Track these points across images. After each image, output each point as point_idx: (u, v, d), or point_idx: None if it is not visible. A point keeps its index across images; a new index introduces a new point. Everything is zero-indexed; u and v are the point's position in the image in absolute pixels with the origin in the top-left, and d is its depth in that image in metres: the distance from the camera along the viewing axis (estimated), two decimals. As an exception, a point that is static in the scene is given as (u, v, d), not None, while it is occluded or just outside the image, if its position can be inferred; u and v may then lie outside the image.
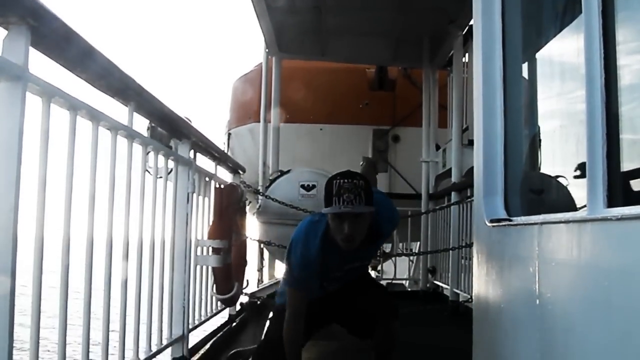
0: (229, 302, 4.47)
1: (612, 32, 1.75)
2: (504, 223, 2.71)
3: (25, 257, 1.82)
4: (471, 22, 5.62)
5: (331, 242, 2.99)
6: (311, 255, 3.02)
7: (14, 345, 1.72)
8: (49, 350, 2.21)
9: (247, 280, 4.65)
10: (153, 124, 3.31)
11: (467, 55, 7.46)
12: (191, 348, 3.78)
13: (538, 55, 3.25)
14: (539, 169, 3.31)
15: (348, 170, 2.98)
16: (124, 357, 2.74)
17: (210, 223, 4.36)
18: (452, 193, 6.61)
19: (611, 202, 1.68)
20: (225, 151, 7.92)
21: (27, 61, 1.76)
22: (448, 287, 6.66)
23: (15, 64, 1.71)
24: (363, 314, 3.24)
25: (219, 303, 4.66)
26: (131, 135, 2.74)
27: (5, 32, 1.72)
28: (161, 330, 3.29)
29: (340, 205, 2.82)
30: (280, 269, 7.59)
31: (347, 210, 2.82)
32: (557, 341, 2.01)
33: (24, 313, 1.84)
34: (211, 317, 4.62)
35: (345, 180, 2.86)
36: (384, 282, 8.71)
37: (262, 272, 7.53)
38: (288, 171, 6.83)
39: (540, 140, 3.35)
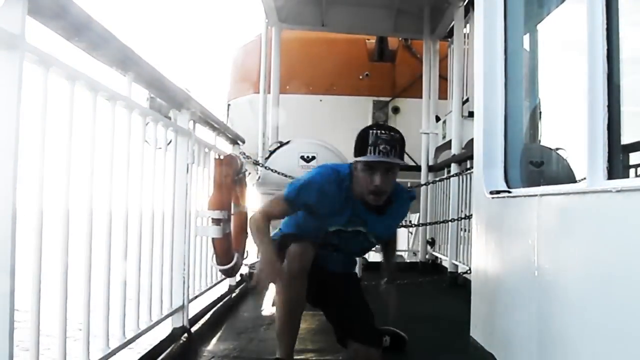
0: (229, 273, 4.48)
1: (614, 3, 1.73)
2: (503, 195, 2.71)
3: (25, 226, 1.82)
4: (473, -7, 5.58)
5: (347, 196, 2.89)
6: (332, 192, 2.87)
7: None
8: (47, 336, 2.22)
9: (247, 251, 4.67)
10: (152, 95, 3.30)
11: (468, 26, 7.40)
12: (191, 318, 3.80)
13: (539, 26, 3.23)
14: (539, 141, 3.31)
15: (384, 123, 2.96)
16: (124, 326, 2.75)
17: (210, 194, 4.36)
18: (452, 165, 6.61)
19: (611, 175, 1.68)
20: (225, 122, 7.90)
21: (24, 30, 1.74)
22: (447, 259, 6.69)
23: (12, 33, 1.70)
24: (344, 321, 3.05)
25: (219, 274, 4.68)
26: (130, 105, 2.73)
27: (2, 0, 1.70)
28: (161, 301, 3.31)
29: (377, 155, 2.70)
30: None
31: (384, 160, 2.71)
32: (555, 312, 2.02)
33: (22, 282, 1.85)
34: (211, 287, 4.64)
35: (383, 132, 2.75)
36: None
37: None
38: (288, 142, 6.82)
39: (540, 112, 3.34)
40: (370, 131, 2.75)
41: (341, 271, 3.15)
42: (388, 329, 3.27)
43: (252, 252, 4.62)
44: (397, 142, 2.74)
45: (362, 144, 2.76)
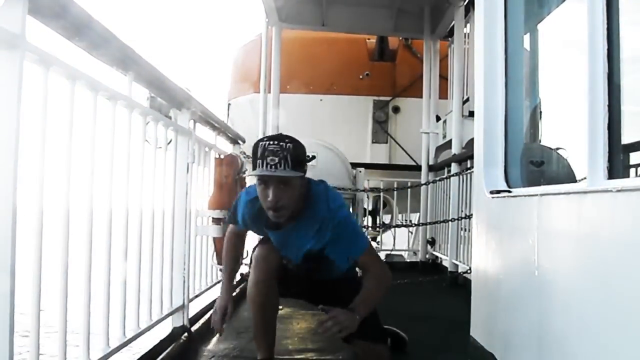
0: (229, 272, 4.48)
1: (615, 2, 1.73)
2: (503, 194, 2.71)
3: (25, 227, 1.82)
4: (473, -8, 5.58)
5: (262, 216, 2.72)
6: (250, 212, 2.78)
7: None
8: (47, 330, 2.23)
9: (247, 251, 4.67)
10: (152, 94, 3.30)
11: (468, 26, 7.40)
12: (191, 317, 3.81)
13: (540, 26, 3.23)
14: (540, 140, 3.31)
15: (280, 133, 2.71)
16: (124, 326, 2.75)
17: (210, 193, 4.37)
18: (452, 164, 6.62)
19: (611, 174, 1.68)
20: (225, 121, 7.90)
21: (25, 29, 1.74)
22: (447, 258, 6.69)
23: (13, 32, 1.70)
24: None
25: (219, 273, 4.68)
26: (131, 105, 2.73)
27: (2, 0, 1.71)
28: (162, 300, 3.31)
29: (264, 169, 2.49)
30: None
31: (268, 174, 2.50)
32: (555, 311, 2.02)
33: (22, 279, 1.85)
34: (212, 286, 4.64)
35: (271, 142, 2.53)
36: (382, 253, 8.77)
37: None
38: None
39: (541, 112, 3.34)
40: (260, 143, 2.56)
41: (334, 278, 2.97)
42: (389, 329, 3.26)
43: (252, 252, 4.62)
44: (286, 152, 2.52)
45: (253, 157, 2.57)
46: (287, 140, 2.56)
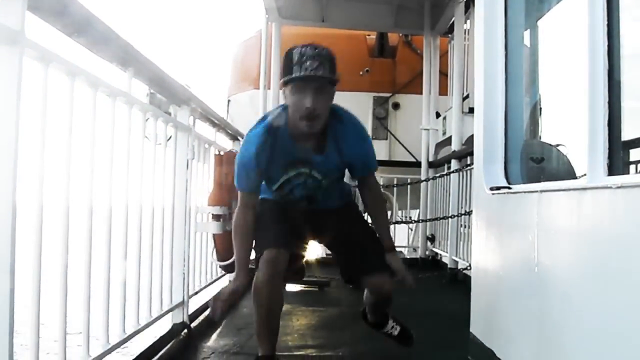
0: (229, 269, 4.48)
1: (615, -1, 1.73)
2: (503, 191, 2.71)
3: (26, 222, 1.82)
4: (473, -11, 5.57)
5: (283, 134, 2.65)
6: (259, 144, 2.64)
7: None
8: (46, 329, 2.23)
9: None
10: (152, 91, 3.29)
11: (468, 22, 7.40)
12: (191, 314, 3.81)
13: (540, 22, 3.22)
14: (540, 137, 3.31)
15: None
16: (124, 322, 2.76)
17: (210, 190, 4.36)
18: (452, 161, 6.62)
19: (611, 171, 1.68)
20: (225, 118, 7.90)
21: (24, 25, 1.74)
22: (447, 255, 6.69)
23: (12, 28, 1.70)
24: (357, 252, 2.87)
25: (219, 269, 4.69)
26: (130, 101, 2.73)
27: (2, -3, 1.70)
28: (161, 297, 3.31)
29: (303, 72, 2.45)
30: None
31: (311, 75, 2.45)
32: (555, 308, 2.02)
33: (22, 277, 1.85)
34: (211, 283, 4.65)
35: (308, 48, 2.51)
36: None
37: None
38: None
39: (541, 108, 3.34)
40: (295, 50, 2.52)
41: (335, 206, 2.96)
42: (400, 320, 3.24)
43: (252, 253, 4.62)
44: (325, 58, 2.51)
45: (287, 64, 2.51)
46: (322, 46, 2.56)
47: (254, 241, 2.81)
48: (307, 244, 3.07)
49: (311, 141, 2.68)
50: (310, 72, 2.45)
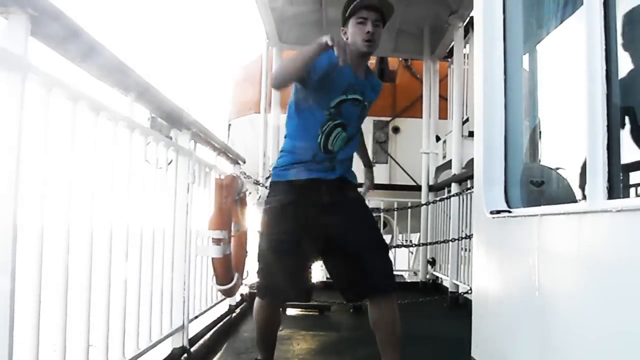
0: (229, 293, 4.46)
1: (613, 23, 1.74)
2: (504, 214, 2.71)
3: (26, 247, 1.82)
4: (472, 14, 5.61)
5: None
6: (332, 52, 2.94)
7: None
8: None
9: (247, 271, 4.66)
10: (153, 115, 3.31)
11: (467, 46, 7.45)
12: (191, 338, 3.79)
13: (539, 47, 3.24)
14: (539, 160, 3.31)
15: None
16: (124, 346, 2.74)
17: (210, 214, 4.36)
18: (452, 184, 6.62)
19: (611, 194, 1.68)
20: (226, 142, 7.92)
21: (27, 51, 1.75)
22: (448, 279, 6.67)
23: (15, 54, 1.71)
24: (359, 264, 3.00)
25: (219, 293, 4.67)
26: (131, 125, 2.74)
27: (5, 21, 1.72)
28: (161, 321, 3.30)
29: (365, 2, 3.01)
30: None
31: (374, 3, 3.03)
32: (556, 333, 2.02)
33: (22, 300, 1.85)
34: (211, 307, 4.63)
35: None
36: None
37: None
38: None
39: (540, 132, 3.35)
40: None
41: (343, 174, 3.13)
42: None
43: (252, 272, 4.61)
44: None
45: (347, 5, 3.09)
46: None
47: (260, 262, 3.15)
48: (313, 260, 3.29)
49: (359, 74, 3.15)
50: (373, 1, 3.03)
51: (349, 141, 3.13)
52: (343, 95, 3.07)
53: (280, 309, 3.20)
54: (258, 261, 3.14)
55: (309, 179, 3.02)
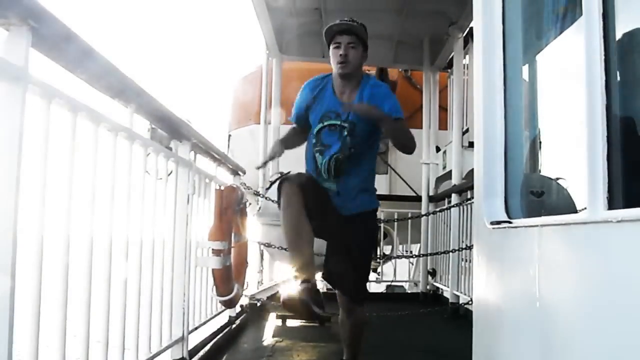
0: (229, 304, 4.46)
1: (612, 34, 1.75)
2: (504, 225, 2.71)
3: (25, 258, 1.82)
4: (471, 25, 5.63)
5: (329, 85, 3.35)
6: (311, 81, 3.43)
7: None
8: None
9: (247, 282, 4.65)
10: (153, 126, 3.31)
11: (467, 57, 7.47)
12: (191, 350, 3.78)
13: (538, 57, 3.25)
14: (539, 171, 3.31)
15: None
16: (123, 358, 2.73)
17: (210, 224, 4.36)
18: (453, 195, 6.62)
19: (612, 205, 1.68)
20: (226, 152, 7.92)
21: (28, 62, 1.76)
22: (448, 289, 6.66)
23: (16, 65, 1.71)
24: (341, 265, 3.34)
25: (219, 304, 4.66)
26: (131, 136, 2.75)
27: (6, 32, 1.72)
28: (161, 332, 3.29)
29: (339, 24, 3.27)
30: (280, 270, 7.59)
31: (345, 22, 3.27)
32: (557, 344, 2.01)
33: (21, 312, 1.84)
34: (211, 318, 4.62)
35: (345, 18, 3.34)
36: (383, 285, 8.71)
37: (262, 273, 7.52)
38: (288, 173, 6.83)
39: (540, 142, 3.35)
40: (334, 22, 3.32)
41: (359, 206, 3.37)
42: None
43: (252, 283, 4.61)
44: (357, 22, 3.30)
45: (328, 30, 3.31)
46: (355, 19, 3.31)
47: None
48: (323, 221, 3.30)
49: (346, 94, 3.31)
50: (343, 22, 3.27)
51: (340, 164, 3.28)
52: (319, 124, 3.35)
53: (307, 219, 3.07)
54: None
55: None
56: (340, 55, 3.22)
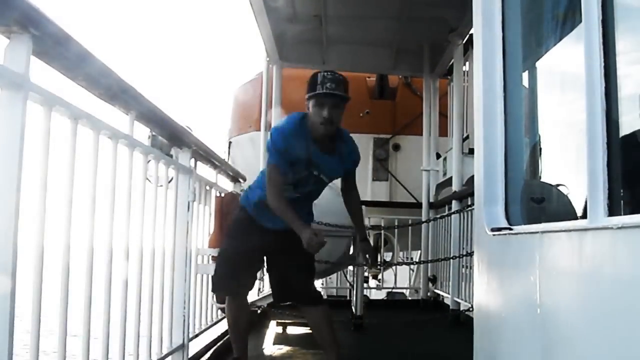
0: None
1: (612, 41, 1.75)
2: (504, 232, 2.71)
3: (25, 264, 1.81)
4: (471, 31, 5.64)
5: (307, 134, 3.42)
6: (290, 129, 3.41)
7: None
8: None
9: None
10: (154, 133, 3.32)
11: (467, 64, 7.47)
12: (191, 357, 3.77)
13: (538, 64, 3.25)
14: (540, 177, 3.31)
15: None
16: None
17: (211, 232, 4.36)
18: (453, 202, 6.61)
19: (612, 211, 1.68)
20: (226, 159, 7.92)
21: (29, 70, 1.76)
22: (449, 296, 6.64)
23: (17, 73, 1.72)
24: (287, 279, 3.67)
25: (219, 312, 4.66)
26: (132, 144, 2.75)
27: (7, 40, 1.73)
28: (161, 339, 3.28)
29: (325, 90, 3.29)
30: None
31: (331, 92, 3.30)
32: (558, 351, 2.01)
33: (21, 319, 1.84)
34: (211, 326, 4.61)
35: (329, 73, 3.39)
36: (384, 291, 8.70)
37: (262, 280, 7.50)
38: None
39: (540, 148, 3.35)
40: (319, 74, 3.37)
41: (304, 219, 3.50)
42: None
43: (252, 290, 4.60)
44: (341, 81, 3.38)
45: (312, 84, 3.35)
46: (338, 73, 3.44)
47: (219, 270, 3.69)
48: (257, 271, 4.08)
49: (324, 145, 3.44)
50: (330, 90, 3.29)
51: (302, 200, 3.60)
52: (305, 172, 3.47)
53: (248, 308, 3.82)
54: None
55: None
56: (325, 118, 3.31)
